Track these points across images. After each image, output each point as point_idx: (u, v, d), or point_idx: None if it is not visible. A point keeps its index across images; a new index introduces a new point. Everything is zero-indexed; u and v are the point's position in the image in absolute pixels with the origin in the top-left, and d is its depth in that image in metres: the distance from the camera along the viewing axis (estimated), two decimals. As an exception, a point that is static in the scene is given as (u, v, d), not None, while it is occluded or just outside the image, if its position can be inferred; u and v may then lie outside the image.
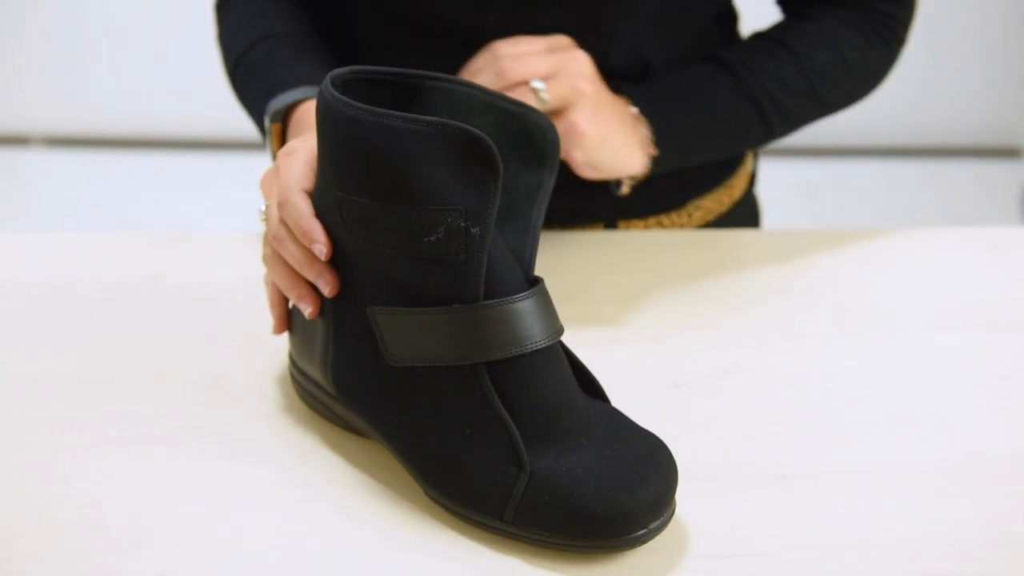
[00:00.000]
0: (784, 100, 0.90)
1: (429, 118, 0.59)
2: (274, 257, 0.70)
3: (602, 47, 0.88)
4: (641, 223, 0.99)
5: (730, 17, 1.01)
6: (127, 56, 2.72)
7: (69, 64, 2.74)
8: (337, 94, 0.61)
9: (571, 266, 0.91)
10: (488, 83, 0.80)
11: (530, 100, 0.79)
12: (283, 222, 0.68)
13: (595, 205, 0.97)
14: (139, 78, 2.73)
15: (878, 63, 0.94)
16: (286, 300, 0.73)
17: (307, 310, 0.68)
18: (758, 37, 0.94)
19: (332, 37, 0.95)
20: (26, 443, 0.71)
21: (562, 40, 0.84)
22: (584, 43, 0.85)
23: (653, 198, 0.98)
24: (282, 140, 0.83)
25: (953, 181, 2.71)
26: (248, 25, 0.92)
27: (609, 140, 0.83)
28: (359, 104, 0.60)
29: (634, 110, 0.86)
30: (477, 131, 0.59)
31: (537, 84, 0.79)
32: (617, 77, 0.89)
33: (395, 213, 0.60)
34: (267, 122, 0.82)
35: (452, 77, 0.66)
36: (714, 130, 0.91)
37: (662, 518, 0.61)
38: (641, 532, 0.60)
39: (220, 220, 2.46)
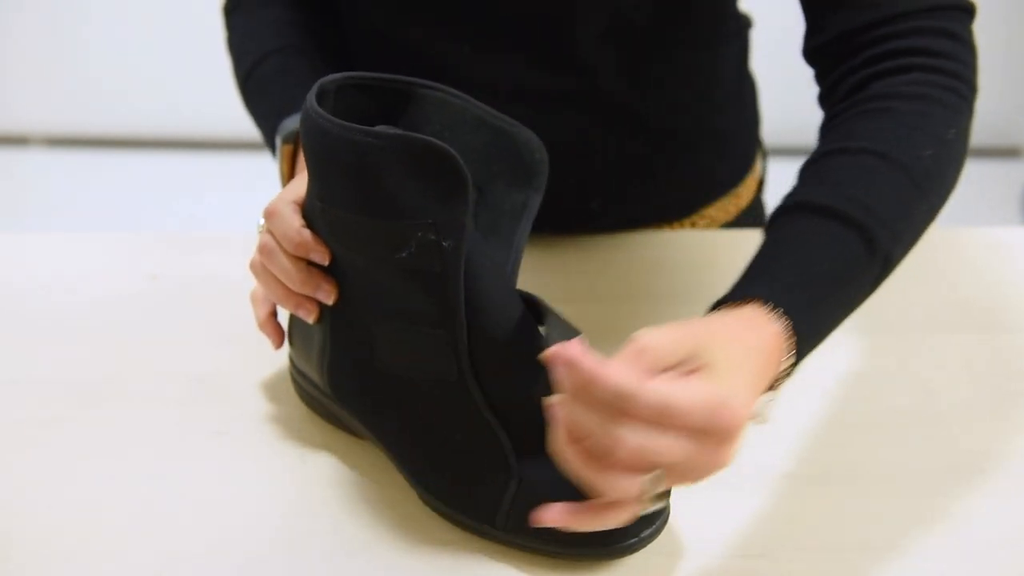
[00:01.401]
0: (910, 233, 0.68)
1: (392, 131, 0.57)
2: (263, 268, 0.68)
3: (585, 73, 0.85)
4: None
5: (737, 29, 0.95)
6: (127, 56, 2.71)
7: (69, 64, 2.73)
8: (314, 103, 0.60)
9: (571, 267, 0.91)
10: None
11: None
12: (271, 232, 0.66)
13: (596, 213, 0.95)
14: (139, 78, 2.72)
15: (967, 126, 0.72)
16: (276, 316, 0.73)
17: (309, 318, 0.67)
18: (849, 154, 0.68)
19: (340, 52, 0.93)
20: (26, 443, 0.71)
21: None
22: (557, 66, 0.81)
23: (657, 208, 0.96)
24: (292, 160, 0.80)
25: (953, 181, 2.71)
26: (260, 34, 0.89)
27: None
28: (328, 116, 0.58)
29: (776, 327, 0.60)
30: (441, 143, 0.56)
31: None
32: (614, 110, 0.87)
33: (369, 226, 0.59)
34: (278, 141, 0.80)
35: (447, 88, 0.65)
36: (848, 305, 0.67)
37: (654, 526, 0.61)
38: (632, 541, 0.60)
39: (220, 220, 2.46)
